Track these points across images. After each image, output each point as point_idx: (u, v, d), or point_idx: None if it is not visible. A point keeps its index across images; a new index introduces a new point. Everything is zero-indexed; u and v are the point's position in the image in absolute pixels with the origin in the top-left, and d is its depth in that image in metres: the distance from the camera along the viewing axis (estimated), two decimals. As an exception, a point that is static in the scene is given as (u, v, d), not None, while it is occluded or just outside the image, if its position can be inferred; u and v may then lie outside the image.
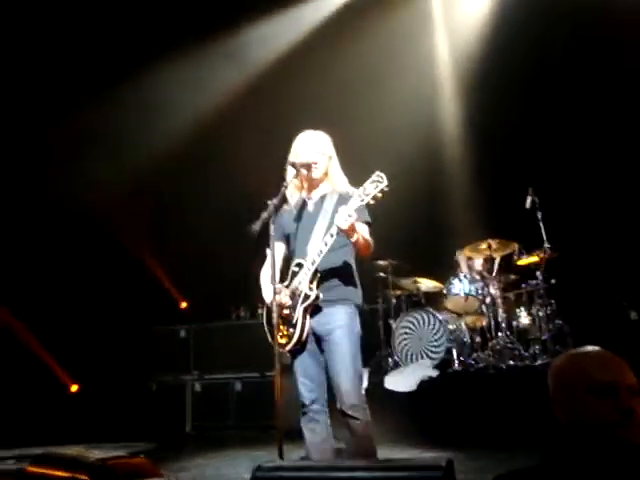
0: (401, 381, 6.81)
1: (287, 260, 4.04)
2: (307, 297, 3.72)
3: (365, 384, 4.20)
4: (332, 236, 3.65)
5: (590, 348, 1.92)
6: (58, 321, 8.99)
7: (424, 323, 7.40)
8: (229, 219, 8.41)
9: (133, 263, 9.47)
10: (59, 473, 2.88)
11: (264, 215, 3.64)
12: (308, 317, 3.75)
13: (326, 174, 4.01)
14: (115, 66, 8.59)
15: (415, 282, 7.90)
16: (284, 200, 3.97)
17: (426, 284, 7.96)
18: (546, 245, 7.11)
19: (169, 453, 7.15)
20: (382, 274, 7.97)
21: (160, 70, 8.71)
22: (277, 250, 4.01)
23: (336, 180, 4.00)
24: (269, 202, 3.68)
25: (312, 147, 3.97)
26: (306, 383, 3.80)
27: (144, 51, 8.60)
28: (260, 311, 8.62)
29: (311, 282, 3.73)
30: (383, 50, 8.71)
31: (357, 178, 4.06)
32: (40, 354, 9.19)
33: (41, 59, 8.46)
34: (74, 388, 9.62)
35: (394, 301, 8.05)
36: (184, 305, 10.31)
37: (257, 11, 8.85)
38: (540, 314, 7.19)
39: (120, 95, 8.57)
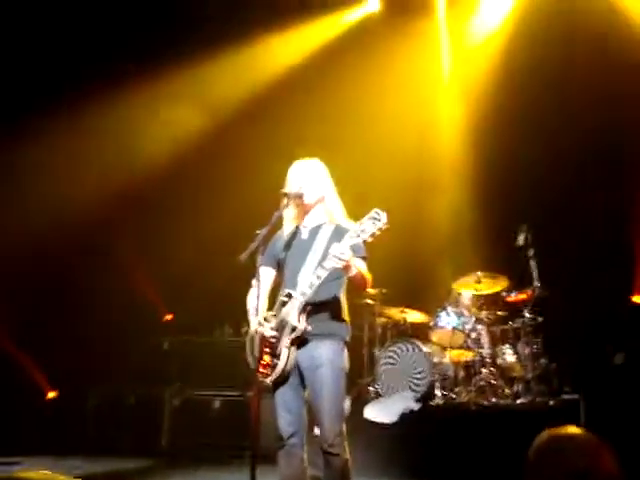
0: (382, 412, 6.72)
1: (277, 287, 3.99)
2: (294, 329, 3.66)
3: (346, 412, 4.17)
4: (325, 269, 3.58)
5: (571, 430, 1.91)
6: (39, 326, 8.87)
7: (408, 354, 7.34)
8: (220, 236, 8.39)
9: (119, 272, 9.37)
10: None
11: (252, 245, 3.59)
12: (294, 349, 3.70)
13: (321, 202, 3.97)
14: (106, 74, 8.54)
15: (402, 312, 7.87)
16: (275, 229, 3.94)
17: (413, 315, 7.93)
18: (535, 283, 7.09)
19: (143, 470, 7.07)
20: (369, 301, 7.92)
21: (153, 83, 8.66)
22: (267, 276, 4.00)
23: (332, 209, 3.97)
24: (258, 232, 3.63)
25: (303, 175, 3.95)
26: (285, 416, 3.75)
27: (142, 61, 8.59)
28: (243, 330, 8.55)
29: (300, 314, 3.68)
30: (384, 76, 8.75)
31: (351, 207, 4.05)
32: (18, 357, 9.05)
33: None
34: (51, 394, 9.49)
35: (379, 329, 7.98)
36: (169, 317, 10.21)
37: (257, 30, 8.85)
38: (526, 352, 7.15)
39: (105, 107, 8.51)
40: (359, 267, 3.66)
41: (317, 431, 3.81)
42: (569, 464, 1.78)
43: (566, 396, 6.68)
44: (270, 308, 3.87)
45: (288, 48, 9.06)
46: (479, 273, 7.27)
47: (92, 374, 9.21)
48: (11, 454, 7.28)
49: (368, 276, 3.78)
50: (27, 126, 8.07)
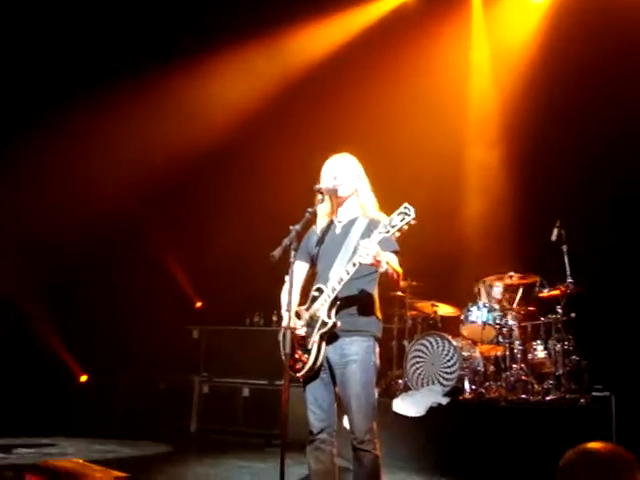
0: (410, 406, 6.70)
1: (310, 281, 3.99)
2: (324, 324, 3.65)
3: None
4: (355, 265, 3.56)
5: (599, 445, 1.82)
6: (74, 313, 9.01)
7: (438, 348, 7.30)
8: (253, 228, 8.42)
9: (153, 260, 9.47)
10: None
11: (285, 241, 3.59)
12: (324, 345, 3.69)
13: (355, 195, 3.96)
14: (141, 61, 8.64)
15: (433, 305, 7.84)
16: (309, 225, 3.94)
17: (443, 308, 7.90)
18: (569, 279, 7.01)
19: (171, 456, 7.16)
20: (400, 293, 7.90)
21: (190, 71, 8.72)
22: (301, 271, 4.03)
23: (365, 202, 3.95)
24: (291, 228, 3.62)
25: (336, 169, 3.94)
26: (316, 412, 3.74)
27: (175, 49, 8.66)
28: (274, 318, 8.62)
29: (330, 309, 3.67)
30: (418, 66, 8.67)
31: (383, 201, 4.03)
32: (54, 342, 9.20)
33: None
34: (83, 378, 9.64)
35: (409, 322, 7.97)
36: (199, 305, 10.30)
37: (289, 21, 8.86)
38: (557, 348, 7.08)
39: (143, 93, 8.57)
40: (390, 262, 3.63)
41: (346, 423, 3.81)
42: None
43: (597, 393, 6.58)
44: (303, 303, 3.87)
45: (321, 39, 9.04)
46: (512, 273, 7.21)
47: (123, 360, 9.34)
48: (44, 436, 7.46)
49: (399, 270, 3.75)
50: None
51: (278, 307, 3.96)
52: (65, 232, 8.26)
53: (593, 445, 1.82)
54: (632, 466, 1.74)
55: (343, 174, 3.91)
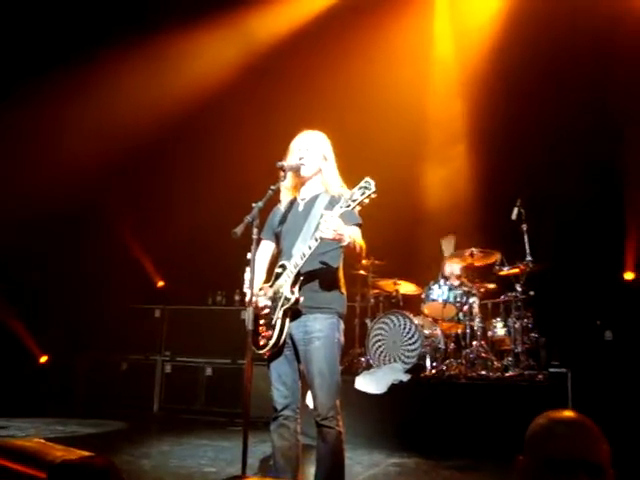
0: (372, 383, 6.77)
1: (276, 259, 3.98)
2: (287, 300, 3.65)
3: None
4: (317, 240, 3.56)
5: (566, 414, 1.80)
6: (33, 293, 8.87)
7: (400, 326, 7.37)
8: (215, 206, 8.36)
9: (114, 239, 9.36)
10: (16, 467, 2.77)
11: (247, 218, 3.57)
12: (287, 321, 3.69)
13: (319, 174, 3.94)
14: (104, 34, 8.47)
15: (395, 283, 7.90)
16: (273, 202, 3.92)
17: (405, 287, 7.97)
18: (528, 258, 7.11)
19: (134, 435, 7.13)
20: (362, 272, 7.94)
21: (157, 44, 8.60)
22: (266, 249, 4.02)
23: (329, 180, 3.91)
24: (254, 205, 3.60)
25: (302, 146, 3.91)
26: (280, 389, 3.75)
27: (141, 22, 8.53)
28: (237, 297, 8.62)
29: (293, 285, 3.67)
30: (382, 44, 8.66)
31: (349, 178, 4.02)
32: (12, 323, 9.06)
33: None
34: (43, 359, 9.53)
35: (372, 300, 8.03)
36: (161, 284, 10.22)
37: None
38: (516, 326, 7.21)
39: (107, 67, 8.44)
40: (352, 236, 3.61)
41: (308, 401, 3.83)
42: (551, 453, 1.71)
43: (554, 370, 6.74)
44: (267, 281, 3.87)
45: (287, 14, 8.98)
46: (473, 249, 7.28)
47: (85, 340, 9.25)
48: (4, 417, 7.37)
49: (362, 244, 3.72)
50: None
51: (240, 286, 3.93)
52: (23, 210, 8.09)
53: (564, 412, 1.81)
54: (599, 434, 1.76)
55: (308, 154, 3.89)
